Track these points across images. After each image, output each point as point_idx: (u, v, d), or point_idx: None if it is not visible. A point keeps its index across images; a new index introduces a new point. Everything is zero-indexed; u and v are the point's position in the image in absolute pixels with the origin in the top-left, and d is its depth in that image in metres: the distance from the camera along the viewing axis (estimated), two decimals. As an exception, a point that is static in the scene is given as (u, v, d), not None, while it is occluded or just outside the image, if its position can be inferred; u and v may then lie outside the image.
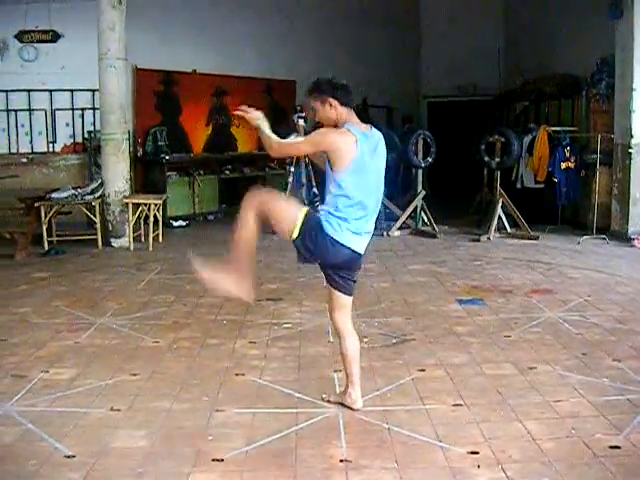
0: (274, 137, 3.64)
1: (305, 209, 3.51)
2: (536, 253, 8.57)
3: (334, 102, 3.48)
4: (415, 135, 10.36)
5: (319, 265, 3.70)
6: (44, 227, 8.68)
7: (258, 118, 3.67)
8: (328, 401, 3.87)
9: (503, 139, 9.91)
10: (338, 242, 3.45)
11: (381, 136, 3.60)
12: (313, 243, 3.45)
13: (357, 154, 3.39)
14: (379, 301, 6.13)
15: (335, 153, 3.40)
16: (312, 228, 3.45)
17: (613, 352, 4.72)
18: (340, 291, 3.70)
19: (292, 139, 3.69)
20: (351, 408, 3.75)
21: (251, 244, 3.52)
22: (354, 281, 3.74)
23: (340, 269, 3.62)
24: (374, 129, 3.59)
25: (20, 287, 6.79)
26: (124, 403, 3.89)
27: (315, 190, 10.32)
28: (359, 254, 3.58)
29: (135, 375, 4.35)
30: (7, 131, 10.87)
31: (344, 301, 3.72)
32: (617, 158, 9.55)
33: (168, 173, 11.31)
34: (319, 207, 3.61)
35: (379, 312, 5.77)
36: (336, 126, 3.51)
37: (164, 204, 10.01)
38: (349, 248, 3.48)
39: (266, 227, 3.52)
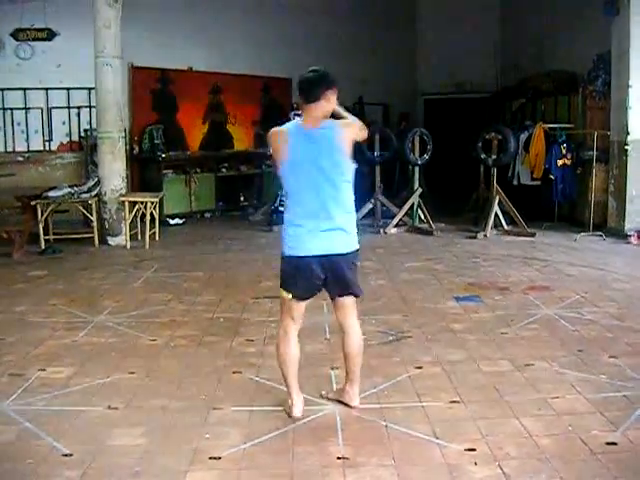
0: None
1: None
2: (533, 250, 8.58)
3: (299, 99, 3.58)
4: (411, 132, 10.38)
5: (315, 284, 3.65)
6: (41, 226, 8.66)
7: None
8: (327, 398, 3.88)
9: (500, 136, 9.92)
10: (302, 257, 3.51)
11: (335, 131, 3.49)
12: (296, 277, 3.57)
13: (289, 151, 3.47)
14: (376, 298, 6.13)
15: (275, 152, 3.57)
16: (284, 272, 3.62)
17: (610, 349, 4.73)
18: (339, 296, 3.70)
19: None
20: (348, 405, 3.75)
21: (287, 362, 3.67)
22: (351, 282, 3.65)
23: (326, 276, 3.58)
24: (329, 123, 3.52)
25: (17, 286, 6.78)
26: (121, 401, 3.88)
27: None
28: (333, 255, 3.52)
29: (132, 373, 4.34)
30: (3, 129, 10.85)
31: (345, 301, 3.72)
32: (613, 155, 9.56)
33: (164, 171, 11.30)
34: None
35: (376, 309, 5.77)
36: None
37: (161, 202, 9.98)
38: (312, 256, 3.50)
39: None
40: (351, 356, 3.74)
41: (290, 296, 3.60)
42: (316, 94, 3.48)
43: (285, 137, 3.49)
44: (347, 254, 3.59)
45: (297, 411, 3.66)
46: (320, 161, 3.46)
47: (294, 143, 3.47)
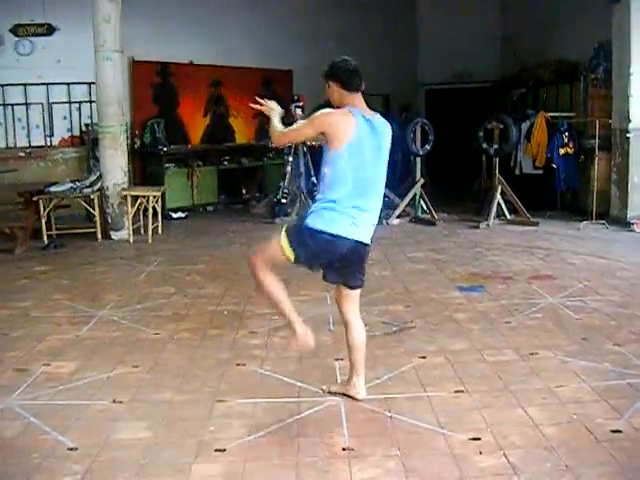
0: (279, 126, 3.74)
1: (283, 229, 3.56)
2: (536, 239, 8.56)
3: (333, 85, 3.55)
4: (413, 123, 10.35)
5: (322, 264, 3.67)
6: (43, 221, 8.67)
7: (272, 109, 3.80)
8: (329, 392, 3.86)
9: (501, 126, 9.89)
10: (332, 234, 3.43)
11: (386, 123, 3.61)
12: (312, 248, 3.48)
13: (354, 136, 3.41)
14: (379, 289, 6.12)
15: (333, 133, 3.43)
16: (302, 236, 3.49)
17: (614, 337, 4.72)
18: (346, 286, 3.70)
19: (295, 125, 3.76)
20: (355, 398, 3.75)
21: (279, 292, 3.64)
22: (361, 274, 3.71)
23: (341, 262, 3.59)
24: (378, 116, 3.59)
25: (20, 281, 6.78)
26: (126, 395, 3.89)
27: (314, 179, 10.30)
28: (361, 243, 3.54)
29: (136, 367, 4.35)
30: (4, 125, 10.82)
31: (351, 293, 3.72)
32: (616, 143, 9.54)
33: (166, 165, 11.30)
34: (316, 199, 3.63)
35: (380, 300, 5.77)
36: (339, 108, 3.55)
37: (163, 196, 9.99)
38: (346, 238, 3.45)
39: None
40: (358, 348, 3.74)
41: (292, 257, 3.58)
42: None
43: (354, 120, 3.43)
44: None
45: (310, 339, 3.64)
46: (379, 147, 3.54)
47: (360, 128, 3.45)
